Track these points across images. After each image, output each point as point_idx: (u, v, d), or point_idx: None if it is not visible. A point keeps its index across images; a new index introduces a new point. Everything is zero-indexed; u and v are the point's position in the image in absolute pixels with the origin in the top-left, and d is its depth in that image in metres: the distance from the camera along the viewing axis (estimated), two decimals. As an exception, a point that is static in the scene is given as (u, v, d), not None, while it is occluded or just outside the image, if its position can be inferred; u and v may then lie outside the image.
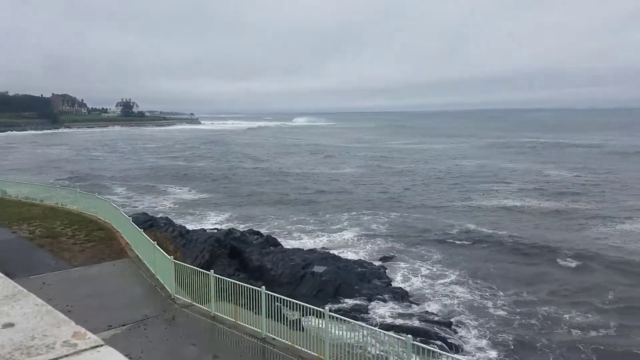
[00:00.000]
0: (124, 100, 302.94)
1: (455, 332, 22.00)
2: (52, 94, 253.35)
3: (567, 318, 23.39)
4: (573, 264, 30.53)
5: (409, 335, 11.15)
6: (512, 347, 20.79)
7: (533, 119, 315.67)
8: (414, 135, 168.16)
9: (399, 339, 11.46)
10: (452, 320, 23.07)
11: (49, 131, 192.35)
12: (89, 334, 1.50)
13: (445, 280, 28.39)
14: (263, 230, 38.16)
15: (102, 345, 1.43)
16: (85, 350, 1.41)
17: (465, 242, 35.47)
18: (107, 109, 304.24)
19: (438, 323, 22.32)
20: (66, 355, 1.35)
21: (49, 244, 21.90)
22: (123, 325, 13.99)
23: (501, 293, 26.44)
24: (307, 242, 36.08)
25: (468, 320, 23.23)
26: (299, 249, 32.48)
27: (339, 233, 38.64)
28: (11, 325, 1.46)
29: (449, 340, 20.75)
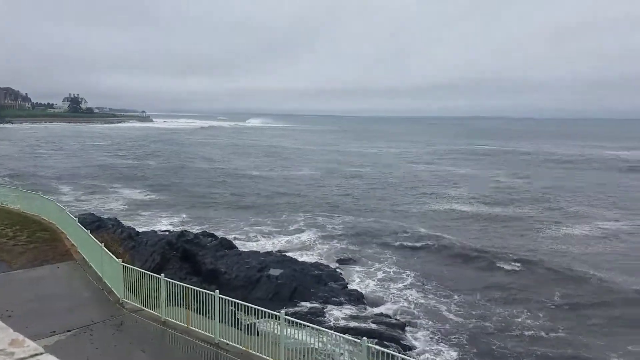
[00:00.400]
0: (72, 96, 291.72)
1: (410, 335, 22.24)
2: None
3: (519, 321, 24.03)
4: (522, 267, 31.52)
5: (365, 338, 11.12)
6: (466, 349, 21.19)
7: (482, 127, 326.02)
8: (367, 140, 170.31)
9: (355, 341, 11.41)
10: (407, 322, 23.34)
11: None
12: (28, 341, 1.31)
13: (400, 283, 28.73)
14: (218, 233, 37.49)
15: (42, 354, 1.24)
16: (23, 359, 1.22)
17: (419, 246, 36.05)
18: (53, 104, 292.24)
19: (393, 325, 22.50)
20: (2, 365, 1.17)
21: (-13, 245, 20.62)
22: (68, 331, 13.30)
23: (455, 296, 26.99)
24: (263, 245, 35.72)
25: (422, 323, 23.57)
26: (254, 252, 32.08)
27: (295, 235, 38.50)
28: (-59, 333, 1.25)
29: (403, 343, 20.95)
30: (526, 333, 22.79)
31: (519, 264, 32.09)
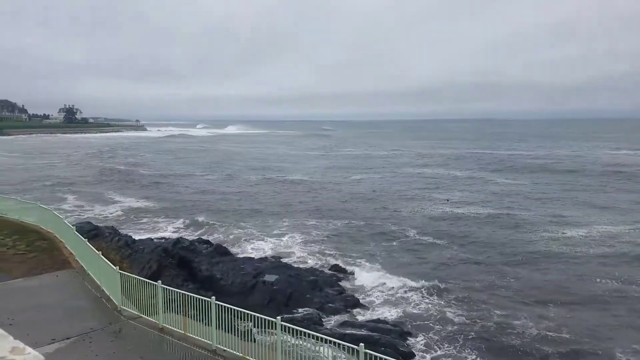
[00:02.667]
0: (67, 106, 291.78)
1: (407, 340, 22.27)
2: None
3: (519, 324, 23.82)
4: (518, 268, 31.57)
5: (362, 344, 11.20)
6: (464, 353, 21.26)
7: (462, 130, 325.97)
8: (356, 144, 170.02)
9: (352, 347, 11.51)
10: (404, 327, 23.33)
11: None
12: (29, 349, 1.45)
13: (396, 289, 28.70)
14: (213, 239, 37.57)
15: (42, 361, 1.38)
16: None
17: (415, 249, 36.10)
18: (49, 115, 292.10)
19: (390, 331, 22.49)
20: (3, 372, 1.30)
21: (-14, 255, 20.74)
22: (67, 339, 13.41)
23: (451, 300, 26.83)
24: (258, 251, 35.75)
25: (419, 328, 23.54)
26: (249, 258, 32.18)
27: (289, 241, 38.53)
28: (-58, 341, 1.40)
29: (401, 348, 20.96)
30: (527, 334, 22.68)
31: (515, 264, 32.20)
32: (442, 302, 26.63)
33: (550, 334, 22.81)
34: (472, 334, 22.89)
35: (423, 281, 29.69)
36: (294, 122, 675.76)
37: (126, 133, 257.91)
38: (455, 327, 23.66)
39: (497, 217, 47.51)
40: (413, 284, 29.35)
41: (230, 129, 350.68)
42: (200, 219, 46.60)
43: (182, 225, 44.11)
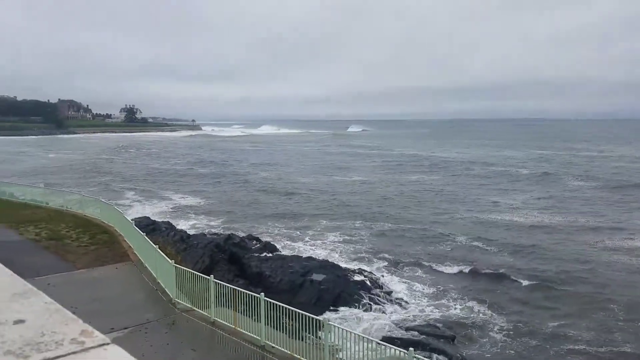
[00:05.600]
0: (128, 106, 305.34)
1: (456, 346, 21.69)
2: (59, 99, 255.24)
3: (574, 335, 22.65)
4: (577, 281, 30.02)
5: (411, 348, 11.04)
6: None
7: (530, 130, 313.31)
8: (408, 143, 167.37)
9: (402, 351, 11.36)
10: (453, 333, 22.71)
11: (50, 136, 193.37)
12: (96, 333, 1.53)
13: (445, 293, 28.04)
14: (262, 237, 38.13)
15: (108, 344, 1.45)
16: (92, 347, 1.43)
17: (466, 255, 35.06)
18: (111, 115, 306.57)
19: (441, 337, 21.91)
20: (74, 352, 1.38)
21: (53, 246, 22.05)
22: (125, 328, 14.03)
23: (503, 310, 25.81)
24: (305, 250, 35.92)
25: (468, 335, 22.83)
26: (297, 256, 32.38)
27: (338, 240, 38.47)
28: (22, 321, 1.49)
29: (450, 355, 20.44)
30: (584, 349, 21.64)
31: (572, 277, 30.57)
32: (493, 311, 25.53)
33: (604, 351, 21.54)
34: (523, 345, 21.94)
35: (473, 288, 28.84)
36: (334, 122, 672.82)
37: (185, 132, 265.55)
38: (505, 337, 22.73)
39: (560, 225, 45.15)
40: (462, 290, 28.57)
41: (264, 129, 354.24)
42: (250, 216, 47.46)
43: (231, 222, 44.98)
